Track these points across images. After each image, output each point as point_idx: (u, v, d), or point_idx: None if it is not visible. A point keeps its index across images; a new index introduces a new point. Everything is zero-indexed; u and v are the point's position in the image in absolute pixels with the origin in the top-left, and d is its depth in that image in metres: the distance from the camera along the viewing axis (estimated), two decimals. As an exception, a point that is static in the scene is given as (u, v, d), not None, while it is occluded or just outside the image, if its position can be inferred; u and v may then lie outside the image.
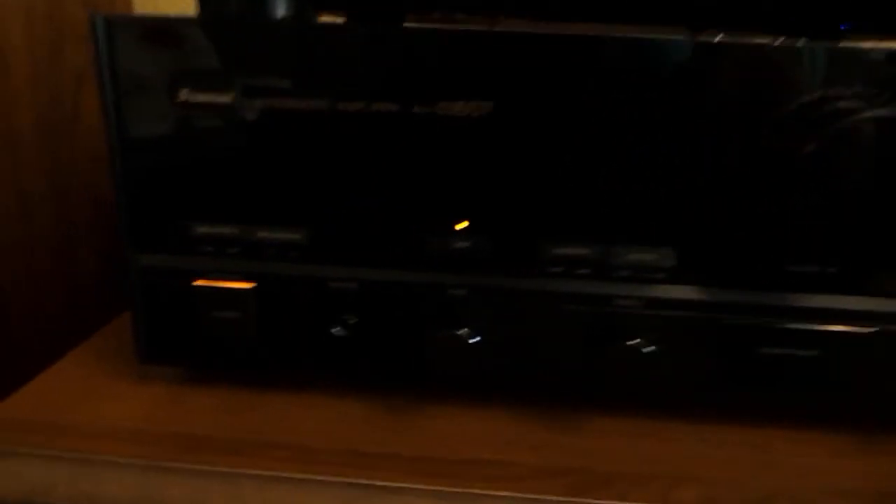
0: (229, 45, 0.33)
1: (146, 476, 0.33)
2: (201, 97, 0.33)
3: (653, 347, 0.34)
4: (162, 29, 0.33)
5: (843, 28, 0.35)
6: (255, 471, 0.33)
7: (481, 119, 0.33)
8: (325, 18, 0.40)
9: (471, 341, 0.34)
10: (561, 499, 0.32)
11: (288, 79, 0.33)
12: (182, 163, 0.35)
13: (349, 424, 0.36)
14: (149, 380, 0.40)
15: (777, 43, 0.32)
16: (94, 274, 0.70)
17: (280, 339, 0.37)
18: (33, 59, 0.61)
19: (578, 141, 0.33)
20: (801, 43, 0.31)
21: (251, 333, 0.37)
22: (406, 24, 0.37)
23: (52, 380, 0.40)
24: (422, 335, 0.35)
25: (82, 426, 0.36)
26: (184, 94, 0.33)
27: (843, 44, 0.32)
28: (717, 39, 0.32)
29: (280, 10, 0.35)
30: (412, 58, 0.32)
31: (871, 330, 0.34)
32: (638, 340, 0.34)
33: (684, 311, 0.35)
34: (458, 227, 0.34)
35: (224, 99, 0.33)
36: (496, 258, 0.35)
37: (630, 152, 0.33)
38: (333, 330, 0.36)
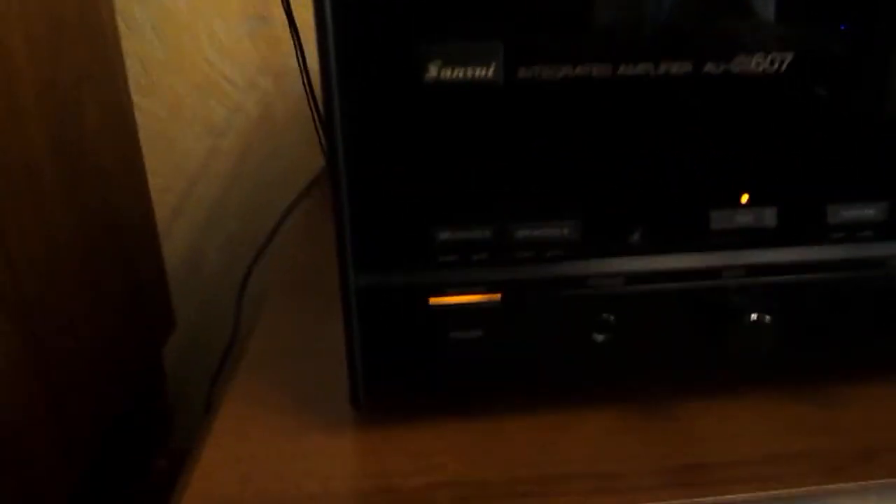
0: (491, 2, 0.27)
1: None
2: (457, 72, 0.27)
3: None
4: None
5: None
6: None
7: (776, 75, 0.29)
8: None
9: (769, 324, 0.30)
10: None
11: (561, 40, 0.27)
12: (425, 155, 0.28)
13: (621, 440, 0.32)
14: (337, 427, 0.33)
15: None
16: (120, 303, 0.60)
17: (526, 356, 0.31)
18: (34, 61, 0.50)
19: (874, 90, 0.30)
20: None
21: (496, 354, 0.31)
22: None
23: (226, 446, 0.32)
24: (700, 326, 0.31)
25: (309, 496, 0.29)
26: (433, 70, 0.26)
27: None
28: None
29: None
30: (705, 5, 0.28)
31: None
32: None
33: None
34: (743, 199, 0.30)
35: (483, 72, 0.27)
36: (779, 231, 0.31)
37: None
38: (595, 336, 0.31)
